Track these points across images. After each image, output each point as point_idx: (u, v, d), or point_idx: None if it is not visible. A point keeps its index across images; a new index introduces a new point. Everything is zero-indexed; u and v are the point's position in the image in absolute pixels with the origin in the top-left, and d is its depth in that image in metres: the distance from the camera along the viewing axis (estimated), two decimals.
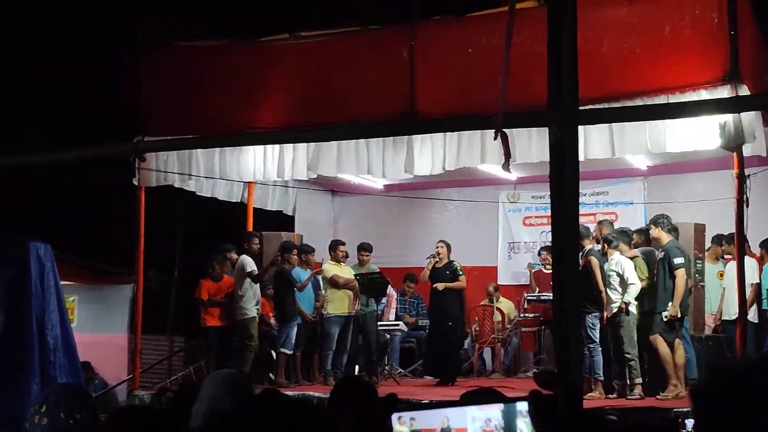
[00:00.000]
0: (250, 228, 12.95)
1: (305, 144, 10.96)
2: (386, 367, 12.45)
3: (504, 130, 6.54)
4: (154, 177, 11.46)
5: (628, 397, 9.77)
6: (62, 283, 10.12)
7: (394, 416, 1.72)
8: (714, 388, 1.45)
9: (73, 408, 3.55)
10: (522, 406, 1.73)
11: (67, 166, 13.04)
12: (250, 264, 11.63)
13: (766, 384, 1.37)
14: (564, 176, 5.58)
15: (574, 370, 5.71)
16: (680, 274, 9.75)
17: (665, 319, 9.78)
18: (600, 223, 11.37)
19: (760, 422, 1.34)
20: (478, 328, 13.56)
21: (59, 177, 14.28)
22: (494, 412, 1.77)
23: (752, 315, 10.42)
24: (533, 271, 13.64)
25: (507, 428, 1.75)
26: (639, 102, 9.21)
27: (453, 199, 14.77)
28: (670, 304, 9.79)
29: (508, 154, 6.43)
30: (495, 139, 6.26)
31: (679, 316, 9.79)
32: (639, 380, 9.83)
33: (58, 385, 6.52)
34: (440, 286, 11.86)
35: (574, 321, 5.65)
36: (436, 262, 11.99)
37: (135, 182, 11.58)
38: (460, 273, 12.04)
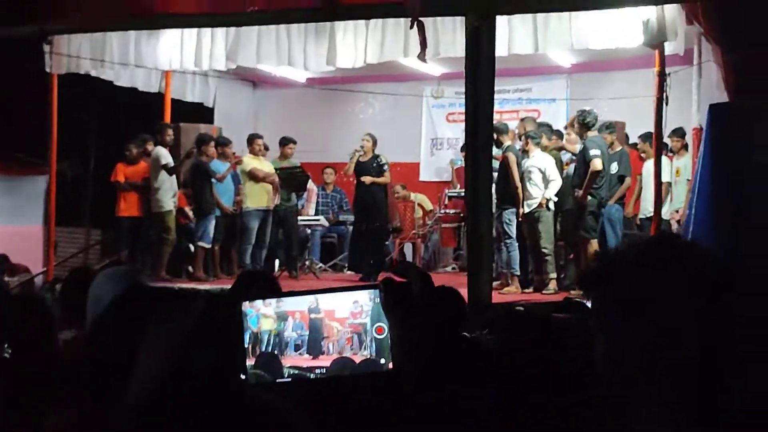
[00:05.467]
0: (168, 119, 12.63)
1: (224, 32, 10.65)
2: (306, 262, 12.41)
3: (422, 19, 6.41)
4: (66, 63, 11.05)
5: (543, 292, 9.91)
6: None
7: (258, 301, 1.65)
8: (598, 272, 1.42)
9: None
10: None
11: None
12: (164, 156, 11.36)
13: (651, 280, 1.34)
14: (480, 67, 5.48)
15: (485, 262, 5.74)
16: (593, 163, 9.67)
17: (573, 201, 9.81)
18: (523, 119, 11.33)
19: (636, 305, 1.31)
20: (399, 224, 13.59)
21: None
22: (362, 295, 1.70)
23: (665, 212, 10.58)
24: (455, 167, 13.62)
25: (375, 310, 1.69)
26: None
27: (376, 92, 14.58)
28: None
29: (424, 44, 6.31)
30: (411, 27, 6.11)
31: (587, 201, 9.75)
32: (554, 275, 9.96)
33: None
34: (367, 180, 11.60)
35: (486, 213, 5.64)
36: (361, 155, 11.79)
37: (47, 69, 11.17)
38: (386, 168, 11.84)
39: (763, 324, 1.35)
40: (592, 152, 9.64)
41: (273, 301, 1.67)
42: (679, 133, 10.90)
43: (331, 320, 1.67)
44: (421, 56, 6.73)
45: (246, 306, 1.62)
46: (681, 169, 10.91)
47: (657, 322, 1.28)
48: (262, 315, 1.64)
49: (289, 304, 1.68)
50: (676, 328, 1.27)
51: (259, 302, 1.65)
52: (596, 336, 1.35)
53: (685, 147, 10.99)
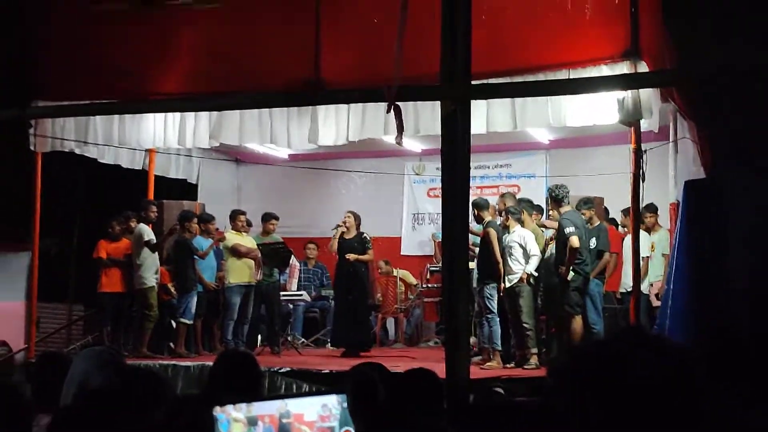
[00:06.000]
0: (151, 196, 12.73)
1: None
2: (288, 337, 12.40)
3: (399, 103, 6.53)
4: (50, 143, 11.17)
5: (525, 367, 9.91)
6: None
7: (229, 406, 1.70)
8: (569, 368, 1.49)
9: None
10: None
11: None
12: (147, 232, 11.42)
13: (616, 365, 1.41)
14: (456, 150, 5.60)
15: (462, 338, 5.79)
16: (570, 240, 9.77)
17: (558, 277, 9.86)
18: (503, 195, 11.45)
19: (609, 402, 1.38)
20: (381, 299, 13.63)
21: None
22: (331, 399, 1.76)
23: (645, 287, 10.67)
24: (437, 241, 13.71)
25: (343, 415, 1.74)
26: (541, 77, 9.24)
27: (358, 171, 14.75)
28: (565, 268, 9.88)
29: (400, 128, 6.42)
30: (388, 112, 6.23)
31: (569, 278, 9.81)
32: (535, 350, 9.97)
33: None
34: (352, 257, 11.65)
35: (463, 290, 5.71)
36: (344, 232, 11.86)
37: (31, 147, 11.27)
38: (369, 246, 11.91)
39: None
40: (567, 230, 9.77)
41: (243, 405, 1.72)
42: (651, 208, 11.06)
43: (300, 424, 1.71)
44: (398, 140, 6.85)
45: (217, 411, 1.67)
46: (656, 244, 11.07)
47: (633, 406, 1.35)
48: (232, 419, 1.69)
49: (259, 408, 1.73)
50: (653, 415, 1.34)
51: (229, 407, 1.70)
52: (570, 419, 1.41)
53: (658, 222, 11.18)
